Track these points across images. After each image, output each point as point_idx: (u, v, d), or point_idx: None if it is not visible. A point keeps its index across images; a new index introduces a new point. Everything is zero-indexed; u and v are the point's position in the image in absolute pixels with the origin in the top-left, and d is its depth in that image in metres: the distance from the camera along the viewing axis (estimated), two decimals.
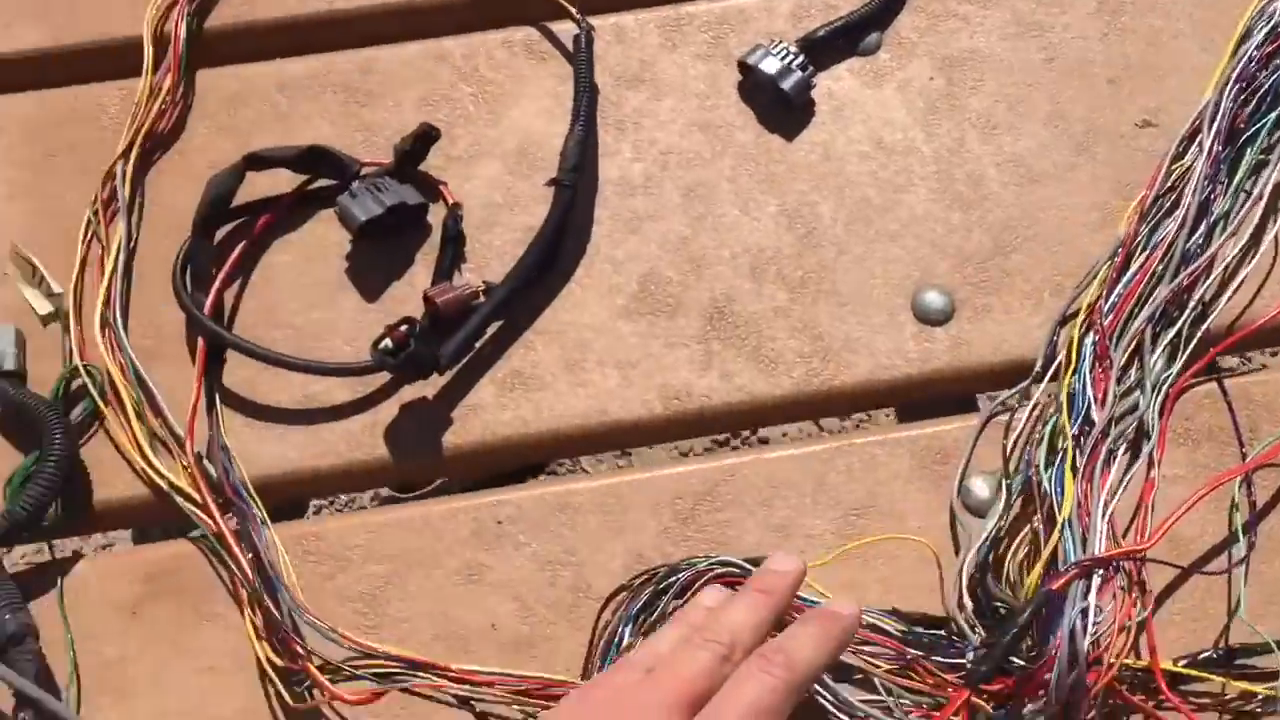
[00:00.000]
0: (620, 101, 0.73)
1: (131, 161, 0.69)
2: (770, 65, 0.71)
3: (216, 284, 0.66)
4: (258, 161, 0.67)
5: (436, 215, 0.70)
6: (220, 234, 0.68)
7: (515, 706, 0.57)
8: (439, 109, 0.72)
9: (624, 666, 0.45)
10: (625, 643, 0.59)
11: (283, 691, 0.57)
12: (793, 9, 0.75)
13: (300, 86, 0.73)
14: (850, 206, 0.70)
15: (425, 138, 0.68)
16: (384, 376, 0.66)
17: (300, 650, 0.57)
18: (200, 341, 0.64)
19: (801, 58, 0.71)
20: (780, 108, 0.72)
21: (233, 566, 0.60)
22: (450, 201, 0.69)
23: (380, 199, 0.66)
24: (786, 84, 0.71)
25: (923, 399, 0.69)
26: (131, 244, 0.68)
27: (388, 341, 0.62)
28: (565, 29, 0.74)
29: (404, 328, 0.62)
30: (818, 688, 0.55)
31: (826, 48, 0.74)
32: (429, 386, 0.66)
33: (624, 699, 0.43)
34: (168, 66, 0.71)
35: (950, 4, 0.75)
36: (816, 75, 0.72)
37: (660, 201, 0.71)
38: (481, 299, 0.66)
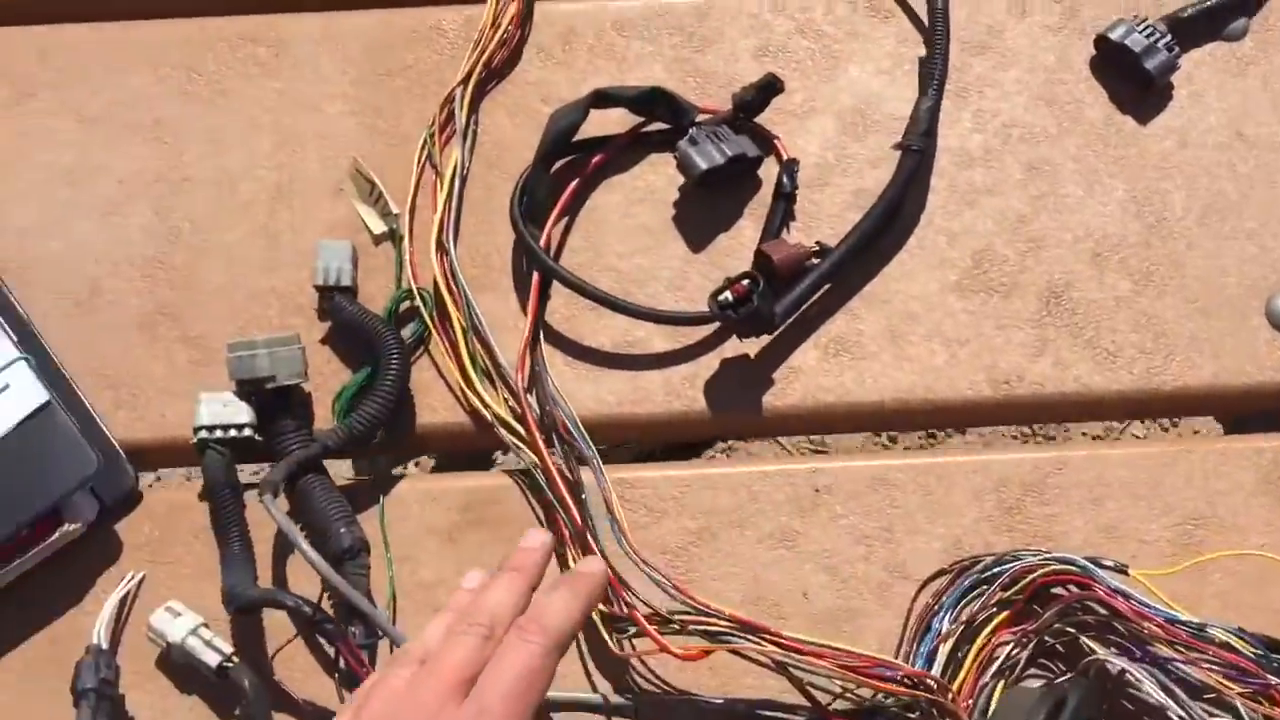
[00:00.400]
0: (963, 68, 0.70)
1: (469, 88, 0.68)
2: (1136, 42, 0.67)
3: (551, 219, 0.65)
4: (603, 99, 0.65)
5: (767, 169, 0.68)
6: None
7: (837, 681, 0.55)
8: (775, 60, 0.70)
9: (398, 661, 0.47)
10: (943, 630, 0.57)
11: (605, 638, 0.57)
12: None
13: (636, 26, 0.71)
14: (1205, 198, 0.66)
15: (768, 89, 0.66)
16: (707, 328, 0.64)
17: (628, 598, 0.56)
18: (535, 275, 0.64)
19: (1168, 37, 0.67)
20: (1134, 88, 0.69)
21: (555, 504, 0.59)
22: (785, 156, 0.67)
23: (721, 148, 0.65)
24: (1151, 63, 0.67)
25: (1269, 409, 0.64)
26: (464, 171, 0.67)
27: (728, 294, 0.60)
28: None
29: (746, 282, 0.60)
30: (1169, 701, 0.53)
31: (1190, 29, 0.69)
32: (751, 344, 0.64)
33: (401, 701, 0.44)
34: None
35: None
36: (1180, 55, 0.68)
37: (999, 176, 0.67)
38: (815, 260, 0.64)
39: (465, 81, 0.68)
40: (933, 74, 0.66)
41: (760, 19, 0.71)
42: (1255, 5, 0.70)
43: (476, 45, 0.69)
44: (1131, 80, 0.68)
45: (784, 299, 0.62)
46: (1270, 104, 0.68)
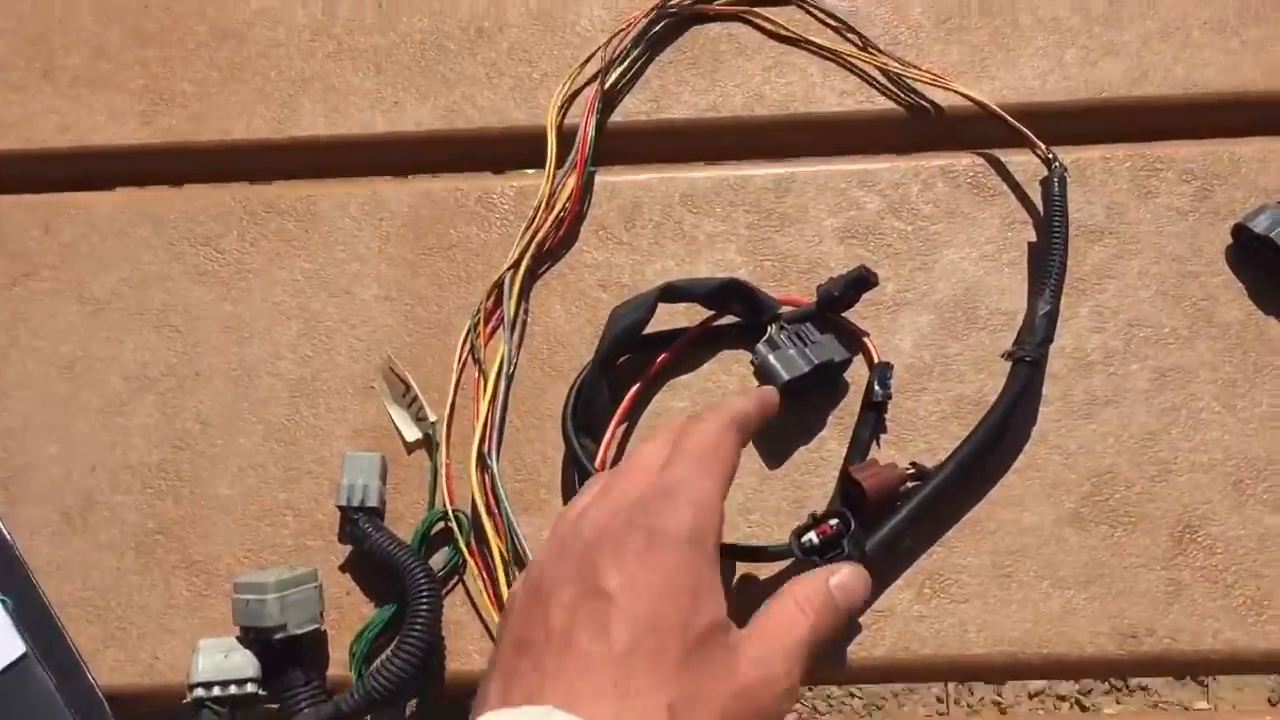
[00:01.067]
0: (1079, 255, 0.61)
1: (520, 274, 0.60)
2: None
3: (609, 431, 0.57)
4: (672, 294, 0.58)
5: (856, 369, 0.59)
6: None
7: None
8: (864, 242, 0.62)
9: (581, 493, 0.47)
10: None
11: None
12: None
13: (708, 201, 0.63)
14: None
15: (860, 284, 0.58)
16: (783, 561, 0.56)
17: None
18: None
19: None
20: None
21: None
22: (876, 359, 0.59)
23: (805, 353, 0.57)
24: None
25: None
26: (511, 368, 0.59)
27: (813, 536, 0.51)
28: (1018, 160, 0.63)
29: (835, 522, 0.51)
30: None
31: None
32: None
33: (595, 506, 0.44)
34: (572, 166, 0.62)
35: None
36: None
37: (1122, 384, 0.59)
38: (910, 482, 0.55)
39: (516, 266, 0.61)
40: (1049, 271, 0.57)
41: (848, 195, 0.63)
42: None
43: (530, 225, 0.61)
44: (1277, 276, 0.59)
45: (875, 535, 0.54)
46: None
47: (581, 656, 0.38)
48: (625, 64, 0.65)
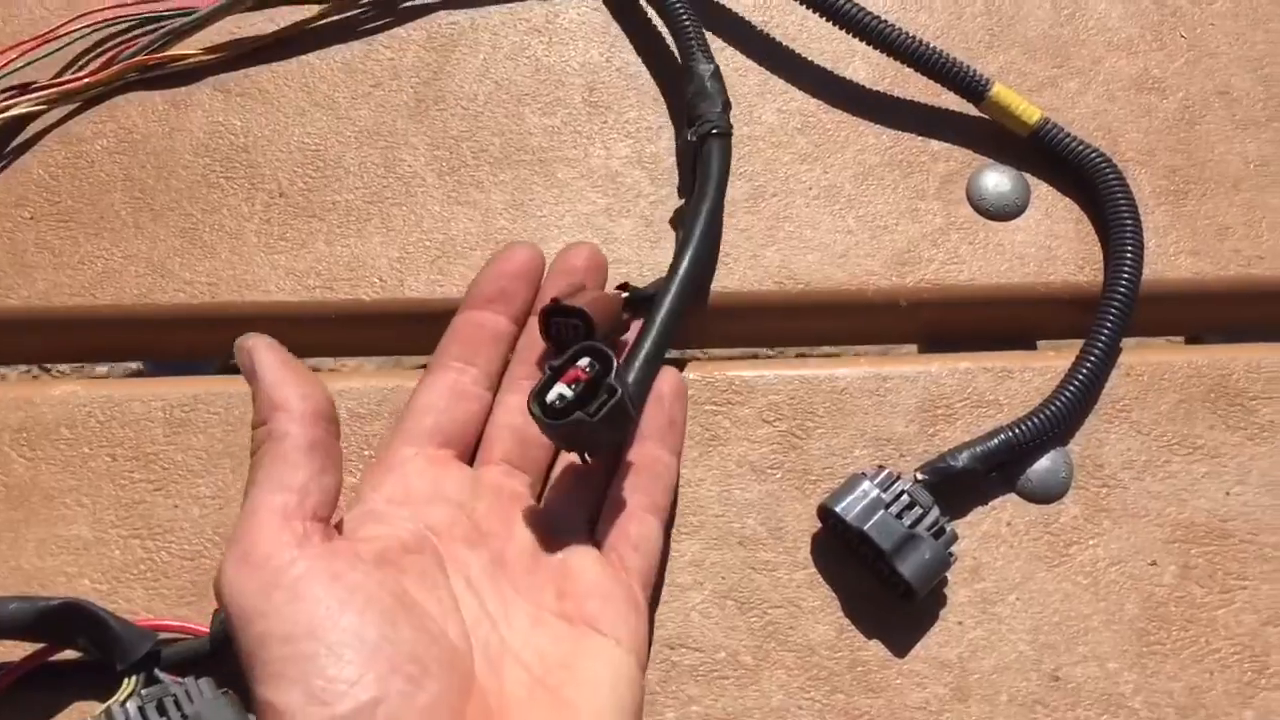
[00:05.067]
0: None
1: None
2: (884, 531, 0.39)
3: None
4: None
5: None
6: None
7: None
8: None
9: None
10: None
11: None
12: (921, 400, 0.44)
13: (90, 424, 0.41)
14: None
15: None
16: None
17: None
18: None
19: (934, 511, 0.40)
20: (884, 587, 0.41)
21: None
22: None
23: None
24: (908, 567, 0.39)
25: None
26: None
27: (562, 389, 0.35)
28: None
29: (585, 361, 0.36)
30: None
31: (967, 483, 0.42)
32: None
33: None
34: None
35: (1199, 431, 0.44)
36: (956, 540, 0.41)
37: None
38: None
39: None
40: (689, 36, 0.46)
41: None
42: (1069, 431, 0.44)
43: None
44: (879, 578, 0.41)
45: (634, 361, 0.39)
46: (1104, 619, 0.41)
47: None
48: None
